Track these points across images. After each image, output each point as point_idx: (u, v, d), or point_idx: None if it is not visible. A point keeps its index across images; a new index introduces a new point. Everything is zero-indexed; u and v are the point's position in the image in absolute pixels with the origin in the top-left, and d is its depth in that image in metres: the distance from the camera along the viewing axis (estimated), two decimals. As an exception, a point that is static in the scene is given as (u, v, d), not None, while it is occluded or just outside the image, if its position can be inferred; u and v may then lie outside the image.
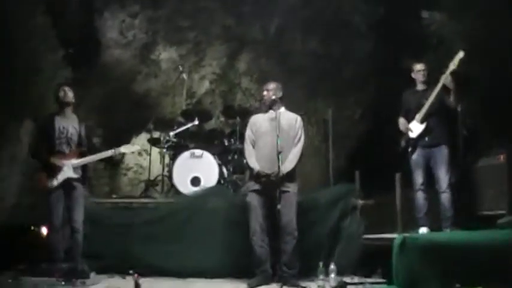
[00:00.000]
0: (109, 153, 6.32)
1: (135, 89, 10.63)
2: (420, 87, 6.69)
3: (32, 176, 7.77)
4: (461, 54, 6.25)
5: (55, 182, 6.11)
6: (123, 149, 6.39)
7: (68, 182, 6.15)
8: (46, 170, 6.15)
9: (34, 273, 6.04)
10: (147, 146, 9.07)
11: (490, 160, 6.75)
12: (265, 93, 6.30)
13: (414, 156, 6.55)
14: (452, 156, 6.53)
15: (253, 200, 6.05)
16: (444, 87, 6.36)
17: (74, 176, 6.15)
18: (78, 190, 6.22)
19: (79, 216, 6.17)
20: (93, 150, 6.39)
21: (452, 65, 6.27)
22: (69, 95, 6.27)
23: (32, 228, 6.86)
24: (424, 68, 6.67)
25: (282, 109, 6.23)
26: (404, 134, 6.68)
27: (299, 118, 6.33)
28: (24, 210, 7.59)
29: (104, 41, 10.56)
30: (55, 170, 6.12)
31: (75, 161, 6.17)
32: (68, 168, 6.14)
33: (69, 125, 6.27)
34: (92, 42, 10.36)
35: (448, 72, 6.29)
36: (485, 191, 6.73)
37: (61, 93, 6.26)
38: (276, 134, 5.89)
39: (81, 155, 6.26)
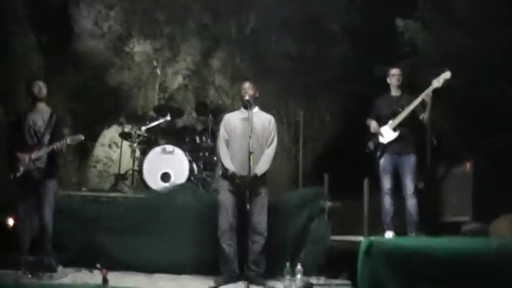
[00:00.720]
0: (58, 145, 6.17)
1: (107, 81, 10.55)
2: (394, 92, 6.75)
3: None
4: (448, 75, 6.27)
5: (17, 174, 6.07)
6: (69, 140, 6.20)
7: (30, 173, 6.11)
8: (11, 162, 6.13)
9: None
10: (118, 139, 9.00)
11: (456, 168, 6.89)
12: (244, 91, 6.22)
13: (382, 162, 6.61)
14: (419, 163, 6.62)
15: (226, 199, 6.06)
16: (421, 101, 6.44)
17: (32, 167, 6.10)
18: (46, 183, 6.16)
19: (47, 209, 6.11)
20: (60, 139, 6.25)
21: (436, 83, 6.31)
22: (43, 91, 6.26)
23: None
24: (399, 73, 6.71)
25: (256, 109, 6.23)
26: (373, 136, 6.75)
27: (273, 119, 6.35)
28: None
29: (77, 31, 10.50)
30: (17, 163, 6.09)
31: (34, 154, 6.12)
32: (29, 160, 6.09)
33: (38, 118, 6.26)
34: (65, 30, 10.26)
35: (430, 89, 6.33)
36: (451, 198, 6.88)
37: (35, 89, 6.24)
38: (249, 135, 5.90)
39: (44, 146, 6.19)
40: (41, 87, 6.25)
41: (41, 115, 6.28)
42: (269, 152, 6.16)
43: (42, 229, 6.09)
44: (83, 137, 6.35)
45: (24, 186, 6.14)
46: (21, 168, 6.08)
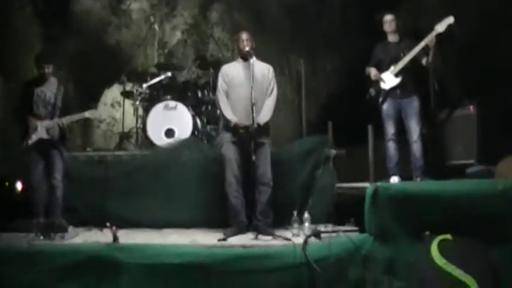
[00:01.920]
0: (75, 117, 6.43)
1: (106, 41, 10.49)
2: (391, 38, 6.70)
3: (4, 131, 7.75)
4: (451, 20, 6.18)
5: (29, 141, 6.26)
6: (88, 113, 6.47)
7: (43, 141, 6.30)
8: (23, 130, 6.33)
9: (11, 228, 6.08)
10: (120, 98, 8.98)
11: (460, 111, 6.86)
12: (243, 43, 6.17)
13: (385, 107, 6.60)
14: (423, 107, 6.59)
15: (229, 151, 6.07)
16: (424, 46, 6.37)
17: (47, 136, 6.31)
18: (54, 151, 6.35)
19: (57, 173, 6.30)
20: (70, 112, 6.43)
21: (440, 28, 6.22)
22: (50, 69, 6.43)
23: (6, 183, 6.81)
24: (392, 18, 6.66)
25: (254, 59, 6.13)
26: (374, 83, 6.71)
27: (271, 68, 6.32)
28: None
29: (72, -9, 10.35)
30: (30, 131, 6.28)
31: (47, 122, 6.31)
32: (41, 129, 6.29)
33: (47, 89, 6.43)
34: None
35: (433, 34, 6.25)
36: (455, 141, 6.86)
37: (42, 66, 6.41)
38: (250, 85, 5.87)
39: (58, 117, 6.37)
40: (49, 68, 6.42)
41: (49, 86, 6.45)
42: (270, 101, 6.15)
43: (53, 191, 6.25)
44: (100, 114, 6.54)
45: (36, 153, 6.32)
46: (33, 136, 6.27)
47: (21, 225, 6.09)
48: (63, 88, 6.50)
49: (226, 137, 6.15)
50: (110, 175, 6.72)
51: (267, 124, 6.10)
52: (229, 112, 6.09)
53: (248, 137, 5.87)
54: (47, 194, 6.27)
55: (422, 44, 6.34)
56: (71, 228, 6.16)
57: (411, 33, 6.84)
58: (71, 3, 10.29)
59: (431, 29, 6.29)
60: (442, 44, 6.37)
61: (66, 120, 6.34)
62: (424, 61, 6.47)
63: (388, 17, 6.69)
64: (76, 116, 6.39)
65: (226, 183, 6.06)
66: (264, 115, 6.06)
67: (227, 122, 6.12)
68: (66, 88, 6.59)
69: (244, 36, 6.21)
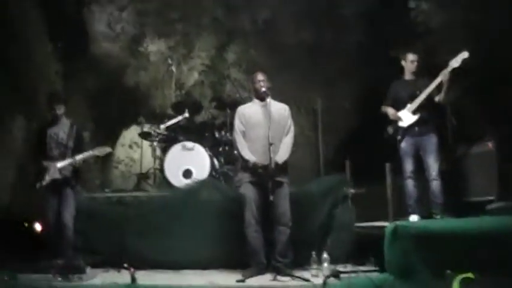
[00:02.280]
0: (85, 155, 6.45)
1: (124, 82, 10.62)
2: (408, 76, 6.74)
3: (25, 171, 7.84)
4: (465, 55, 6.22)
5: (43, 183, 6.33)
6: (97, 152, 6.52)
7: (56, 182, 6.37)
8: (38, 171, 6.41)
9: (30, 270, 6.08)
10: (138, 138, 9.06)
11: (479, 147, 6.82)
12: (259, 83, 6.25)
13: (403, 145, 6.60)
14: (441, 144, 6.58)
15: (248, 191, 6.07)
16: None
17: (59, 176, 6.36)
18: (67, 189, 6.43)
19: (68, 213, 6.34)
20: (82, 152, 6.50)
21: (455, 63, 6.26)
22: (62, 110, 6.57)
23: (26, 224, 6.85)
24: (417, 58, 6.67)
25: (270, 99, 6.19)
26: (392, 121, 6.72)
27: (287, 108, 6.37)
28: (18, 206, 7.61)
29: (92, 34, 10.56)
30: (43, 172, 6.36)
31: (60, 163, 6.38)
32: (54, 170, 6.36)
33: (60, 130, 6.56)
34: (81, 36, 10.35)
35: (448, 69, 6.29)
36: (475, 178, 6.81)
37: (56, 110, 6.54)
38: (267, 125, 5.91)
39: (70, 157, 6.44)
40: (61, 109, 6.55)
41: (62, 127, 6.58)
42: (288, 140, 6.18)
43: (64, 232, 6.28)
44: (109, 149, 6.67)
45: (50, 193, 6.39)
46: (47, 177, 6.33)
47: (40, 266, 6.11)
48: (76, 129, 6.61)
49: (245, 177, 6.15)
50: (128, 216, 6.76)
51: (285, 163, 6.11)
52: (247, 151, 6.11)
53: (266, 177, 5.87)
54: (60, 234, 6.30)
55: (438, 80, 6.37)
56: (88, 270, 6.13)
57: (426, 70, 6.87)
58: (90, 44, 10.49)
59: (446, 64, 6.31)
60: (459, 79, 6.38)
61: (76, 159, 6.37)
62: (437, 98, 6.47)
63: (413, 57, 6.69)
64: (86, 154, 6.43)
65: (245, 223, 6.05)
66: (282, 154, 6.07)
67: (245, 162, 6.12)
68: (79, 129, 6.71)
69: (260, 76, 6.29)
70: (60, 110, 6.53)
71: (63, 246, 6.24)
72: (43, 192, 6.37)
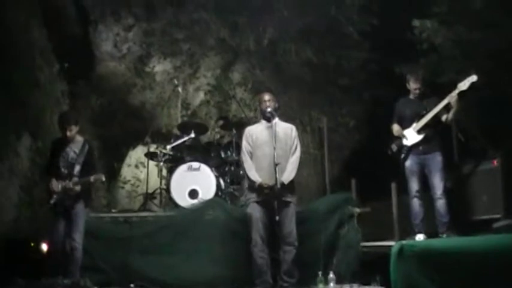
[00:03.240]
0: (80, 181, 6.34)
1: (130, 102, 10.72)
2: (413, 96, 6.76)
3: (31, 190, 7.89)
4: (474, 78, 6.23)
5: (51, 201, 6.29)
6: (92, 178, 6.34)
7: (63, 202, 6.30)
8: (47, 190, 6.37)
9: (37, 289, 6.09)
10: (144, 159, 9.11)
11: (484, 165, 6.83)
12: (265, 103, 6.31)
13: (408, 164, 6.60)
14: (446, 162, 6.59)
15: (255, 211, 6.10)
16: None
17: (65, 196, 6.28)
18: (76, 209, 6.33)
19: (76, 234, 6.26)
20: (93, 172, 6.44)
21: (463, 86, 6.28)
22: (74, 131, 6.47)
23: (32, 244, 6.88)
24: (419, 86, 6.66)
25: (277, 119, 6.28)
26: (396, 139, 6.75)
27: (294, 128, 6.42)
28: (23, 225, 7.65)
29: (98, 54, 10.68)
30: (51, 191, 6.31)
31: (67, 183, 6.31)
32: (62, 189, 6.28)
33: (71, 149, 6.46)
34: (87, 56, 10.46)
35: (456, 92, 6.30)
36: (480, 196, 6.81)
37: (67, 133, 6.44)
38: (273, 145, 5.95)
39: (77, 177, 6.36)
40: (72, 130, 6.44)
41: (74, 146, 6.48)
42: (294, 160, 6.21)
43: (72, 252, 6.22)
44: (103, 178, 6.51)
45: (57, 212, 6.32)
46: (55, 196, 6.27)
47: (45, 285, 6.10)
48: (88, 148, 6.52)
49: (252, 197, 6.18)
50: (135, 235, 6.78)
51: (291, 183, 6.15)
52: (254, 173, 6.15)
53: (273, 197, 5.90)
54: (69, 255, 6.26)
55: (445, 101, 6.37)
56: (95, 289, 6.17)
57: (431, 87, 6.91)
58: (96, 64, 10.60)
59: (453, 83, 6.34)
60: (464, 97, 6.41)
61: (74, 183, 6.29)
62: (444, 118, 6.49)
63: (414, 85, 6.67)
64: (83, 180, 6.33)
65: (251, 243, 6.07)
66: (288, 174, 6.11)
67: (252, 182, 6.16)
68: (91, 147, 6.62)
69: (266, 97, 6.35)
70: (72, 131, 6.45)
71: (72, 267, 6.18)
72: (51, 211, 6.33)
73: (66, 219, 6.32)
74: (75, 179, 6.32)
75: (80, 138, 6.56)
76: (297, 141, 6.32)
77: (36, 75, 8.85)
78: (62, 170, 6.40)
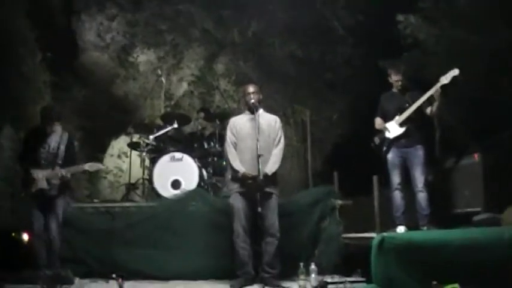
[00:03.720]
0: (75, 169, 6.36)
1: (114, 92, 10.70)
2: (396, 90, 6.81)
3: (12, 181, 7.83)
4: (456, 72, 6.26)
5: (29, 193, 6.25)
6: (87, 166, 6.39)
7: (43, 192, 6.26)
8: (25, 179, 6.31)
9: (17, 280, 6.03)
10: (127, 149, 9.09)
11: (465, 159, 6.90)
12: (249, 96, 6.28)
13: (390, 157, 6.65)
14: (428, 155, 6.64)
15: (237, 202, 6.10)
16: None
17: (47, 187, 6.25)
18: (54, 200, 6.31)
19: (54, 224, 6.24)
20: (73, 163, 6.41)
21: (445, 79, 6.29)
22: (54, 127, 6.43)
23: (13, 234, 6.84)
24: (400, 78, 6.74)
25: (261, 111, 6.29)
26: (379, 132, 6.80)
27: (278, 119, 6.41)
28: (4, 215, 7.59)
29: (82, 44, 10.63)
30: (31, 181, 6.26)
31: (48, 173, 6.28)
32: (42, 179, 6.25)
33: (52, 139, 6.42)
34: (70, 45, 10.38)
35: (438, 85, 6.33)
36: (461, 190, 6.89)
37: (48, 127, 6.42)
38: (257, 137, 5.96)
39: (60, 167, 6.32)
40: (54, 125, 6.42)
41: (55, 136, 6.44)
42: (277, 152, 6.21)
43: (49, 243, 6.21)
44: (101, 166, 6.62)
45: (37, 203, 6.28)
46: (34, 187, 6.23)
47: (27, 277, 6.07)
48: (68, 137, 6.50)
49: (234, 187, 6.18)
50: (117, 226, 6.78)
51: (274, 174, 6.14)
52: (238, 163, 6.13)
53: (256, 188, 5.92)
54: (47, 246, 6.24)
55: (427, 94, 6.42)
56: (77, 280, 6.11)
57: (414, 82, 6.96)
58: (79, 54, 10.53)
59: (436, 79, 6.39)
60: (446, 92, 6.46)
61: (66, 171, 6.28)
62: (428, 110, 6.55)
63: (396, 77, 6.76)
64: (76, 168, 6.34)
65: (234, 234, 6.08)
66: (272, 165, 6.11)
67: (235, 172, 6.15)
68: (70, 137, 6.59)
69: (250, 89, 6.33)
70: (54, 127, 6.41)
71: (50, 257, 6.18)
72: (29, 201, 6.28)
73: (44, 209, 6.29)
74: (73, 167, 6.29)
75: (60, 130, 6.51)
76: (280, 133, 6.31)
77: (18, 65, 8.76)
78: (43, 160, 6.35)
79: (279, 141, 6.27)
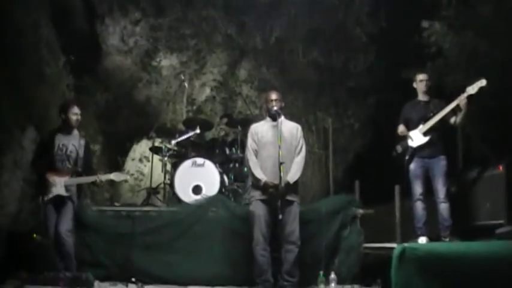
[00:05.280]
0: (93, 178, 6.32)
1: (136, 96, 10.77)
2: (421, 97, 6.77)
3: (34, 184, 7.91)
4: (483, 82, 6.23)
5: (46, 197, 6.21)
6: (113, 176, 6.42)
7: (59, 197, 6.24)
8: (41, 183, 6.28)
9: (37, 282, 6.05)
10: (148, 153, 9.14)
11: (489, 170, 6.85)
12: (272, 103, 6.28)
13: (412, 167, 6.62)
14: (450, 166, 6.61)
15: (258, 209, 6.09)
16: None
17: (65, 194, 6.22)
18: (67, 205, 6.26)
19: (64, 228, 6.16)
20: (90, 170, 6.44)
21: (471, 90, 6.27)
22: (79, 118, 6.38)
23: (35, 236, 6.89)
24: (426, 78, 6.74)
25: (282, 118, 6.28)
26: (401, 140, 6.77)
27: (299, 127, 6.41)
28: (26, 217, 7.67)
29: (104, 48, 10.74)
30: (48, 185, 6.23)
31: (67, 180, 6.25)
32: (60, 186, 6.22)
33: (69, 142, 6.37)
34: (93, 49, 10.49)
35: (465, 95, 6.30)
36: (484, 201, 6.83)
37: (73, 116, 6.34)
38: (279, 145, 5.97)
39: (77, 173, 6.33)
40: (78, 114, 6.36)
41: (72, 140, 6.40)
42: (299, 160, 6.20)
43: (61, 248, 6.17)
44: (128, 176, 6.66)
45: (52, 208, 6.26)
46: (52, 192, 6.21)
47: (48, 278, 6.10)
48: (85, 142, 6.47)
49: (255, 195, 6.17)
50: (137, 230, 6.78)
51: (295, 182, 6.15)
52: (259, 171, 6.13)
53: (277, 196, 5.92)
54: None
55: (453, 104, 6.38)
56: (96, 283, 6.16)
57: (437, 91, 6.93)
58: (102, 58, 10.64)
59: (459, 89, 6.35)
60: (469, 103, 6.42)
61: (88, 180, 6.29)
62: (452, 120, 6.51)
63: (422, 76, 6.75)
64: (101, 177, 6.31)
65: (253, 241, 6.08)
66: (293, 174, 6.11)
67: (256, 180, 6.15)
68: (87, 143, 6.56)
69: (273, 96, 6.33)
70: (78, 115, 6.32)
71: (65, 261, 6.17)
72: (45, 206, 6.24)
73: (58, 213, 6.25)
74: (101, 175, 6.28)
75: (76, 132, 6.47)
76: (302, 141, 6.32)
77: (42, 69, 8.86)
78: (61, 163, 6.31)
79: (301, 149, 6.27)
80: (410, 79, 6.91)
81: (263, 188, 6.07)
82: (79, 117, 6.39)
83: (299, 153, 6.24)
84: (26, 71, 8.16)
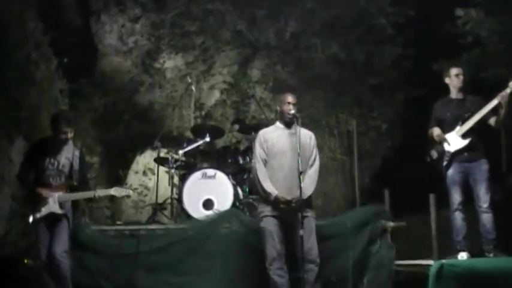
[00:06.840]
0: (91, 194, 6.22)
1: (137, 102, 10.77)
2: (455, 95, 6.67)
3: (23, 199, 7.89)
4: None
5: (38, 215, 6.07)
6: (113, 191, 6.31)
7: (52, 215, 6.10)
8: (30, 199, 6.16)
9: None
10: (153, 165, 9.13)
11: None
12: (289, 106, 6.13)
13: (450, 173, 6.52)
14: (493, 171, 6.50)
15: (269, 225, 5.96)
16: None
17: (59, 211, 6.09)
18: (62, 223, 6.14)
19: (60, 249, 6.02)
20: (85, 184, 6.38)
21: None
22: (71, 134, 6.23)
23: (26, 260, 6.83)
24: (461, 72, 6.62)
25: (298, 125, 6.11)
26: (436, 144, 6.67)
27: (313, 136, 6.28)
28: (15, 239, 7.66)
29: (101, 48, 10.75)
30: (40, 202, 6.10)
31: (61, 195, 6.14)
32: (53, 202, 6.09)
33: (62, 156, 6.25)
34: (89, 50, 10.51)
35: (508, 91, 6.19)
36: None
37: (62, 136, 6.16)
38: (297, 153, 5.84)
39: (72, 188, 6.22)
40: (68, 134, 6.16)
41: (65, 152, 6.27)
42: (312, 173, 6.09)
43: (57, 270, 6.02)
44: (131, 192, 6.53)
45: (44, 227, 6.11)
46: (43, 210, 6.07)
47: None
48: (80, 153, 6.34)
49: (265, 210, 6.05)
50: (142, 250, 6.74)
51: (309, 197, 6.03)
52: (269, 184, 5.98)
53: (289, 212, 5.83)
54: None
55: (494, 101, 6.26)
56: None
57: (472, 87, 6.83)
58: (99, 59, 10.66)
59: (502, 83, 6.25)
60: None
61: (84, 195, 6.22)
62: (492, 121, 6.40)
63: (456, 70, 6.64)
64: (100, 192, 6.23)
65: (268, 260, 5.95)
66: (307, 188, 5.95)
67: (266, 194, 6.01)
68: (82, 154, 6.44)
69: (290, 98, 6.17)
70: (71, 133, 6.16)
71: (59, 285, 6.02)
72: (36, 225, 6.07)
73: (50, 233, 6.10)
74: (99, 190, 6.23)
75: (70, 144, 6.32)
76: (315, 152, 6.20)
77: (31, 72, 8.84)
78: (52, 179, 6.18)
79: (314, 160, 6.15)
80: (442, 73, 6.81)
81: (274, 203, 5.96)
82: (69, 136, 6.21)
83: (312, 165, 6.12)
84: (12, 73, 8.12)
